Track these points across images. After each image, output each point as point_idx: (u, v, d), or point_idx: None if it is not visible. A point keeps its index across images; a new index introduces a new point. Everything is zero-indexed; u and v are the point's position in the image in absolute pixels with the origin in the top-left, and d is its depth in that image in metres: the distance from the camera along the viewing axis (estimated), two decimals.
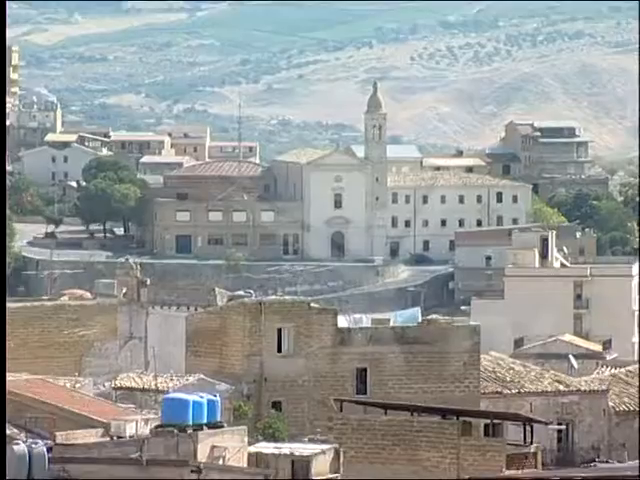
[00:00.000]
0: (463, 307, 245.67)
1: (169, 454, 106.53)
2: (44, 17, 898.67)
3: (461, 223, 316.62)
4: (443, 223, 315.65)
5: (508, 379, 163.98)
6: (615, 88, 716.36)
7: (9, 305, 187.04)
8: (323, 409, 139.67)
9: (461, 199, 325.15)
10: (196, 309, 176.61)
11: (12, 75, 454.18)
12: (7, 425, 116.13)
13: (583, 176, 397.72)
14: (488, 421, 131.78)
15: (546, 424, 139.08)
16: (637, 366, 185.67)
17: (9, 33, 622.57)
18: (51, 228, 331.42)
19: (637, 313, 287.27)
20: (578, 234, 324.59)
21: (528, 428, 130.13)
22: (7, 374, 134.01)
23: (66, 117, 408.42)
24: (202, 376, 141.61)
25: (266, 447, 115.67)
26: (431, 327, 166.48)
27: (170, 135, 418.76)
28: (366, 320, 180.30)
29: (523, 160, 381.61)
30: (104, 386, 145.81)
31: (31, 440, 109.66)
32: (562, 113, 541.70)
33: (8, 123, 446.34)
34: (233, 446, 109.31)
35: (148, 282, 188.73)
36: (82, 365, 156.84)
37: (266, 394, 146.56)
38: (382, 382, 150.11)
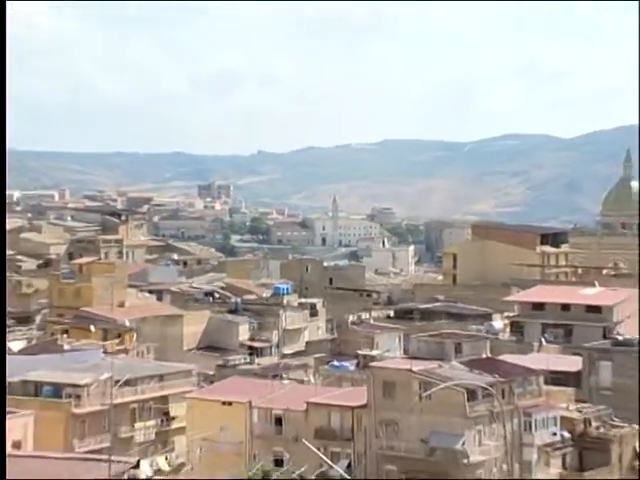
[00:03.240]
0: (360, 260, 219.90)
1: (275, 302, 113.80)
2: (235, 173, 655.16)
3: (360, 236, 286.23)
4: (354, 236, 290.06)
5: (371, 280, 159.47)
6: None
7: (236, 259, 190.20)
8: (319, 289, 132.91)
9: (360, 229, 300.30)
10: (282, 265, 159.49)
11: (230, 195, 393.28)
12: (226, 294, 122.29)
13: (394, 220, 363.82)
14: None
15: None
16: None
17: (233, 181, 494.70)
18: (239, 237, 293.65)
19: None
20: (393, 239, 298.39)
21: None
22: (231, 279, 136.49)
23: (248, 207, 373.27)
24: (285, 280, 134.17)
25: (302, 300, 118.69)
26: (352, 266, 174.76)
27: (275, 211, 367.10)
28: (332, 264, 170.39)
29: (378, 217, 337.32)
30: (253, 283, 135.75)
31: (236, 299, 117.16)
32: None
33: (228, 207, 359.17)
34: (294, 300, 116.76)
35: (269, 253, 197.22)
36: (250, 276, 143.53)
37: (303, 285, 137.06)
38: (336, 281, 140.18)
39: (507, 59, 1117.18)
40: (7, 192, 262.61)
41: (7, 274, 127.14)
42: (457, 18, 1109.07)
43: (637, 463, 68.00)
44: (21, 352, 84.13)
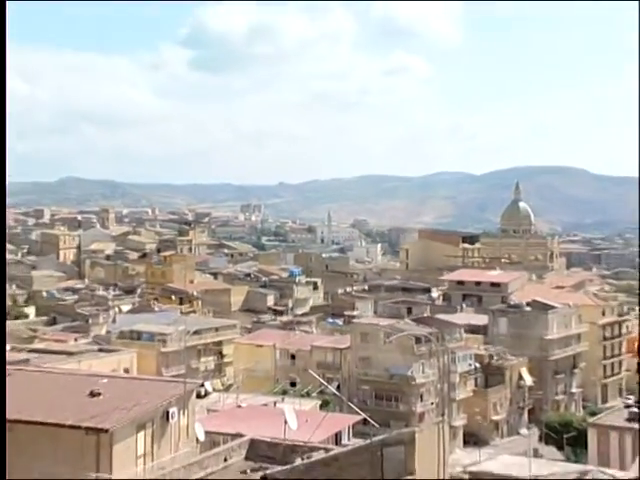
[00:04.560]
0: (346, 253, 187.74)
1: (290, 280, 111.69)
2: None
3: (345, 238, 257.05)
4: (342, 237, 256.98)
5: (353, 266, 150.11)
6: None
7: (265, 252, 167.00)
8: (319, 272, 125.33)
9: (345, 233, 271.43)
10: (295, 256, 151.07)
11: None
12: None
13: (368, 227, 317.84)
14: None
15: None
16: None
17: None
18: (267, 238, 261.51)
19: None
20: (367, 239, 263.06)
21: None
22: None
23: (273, 219, 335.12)
24: (297, 266, 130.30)
25: (308, 279, 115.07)
26: (340, 257, 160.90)
27: (291, 221, 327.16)
28: (327, 256, 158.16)
29: (357, 225, 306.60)
30: (276, 268, 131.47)
31: (265, 278, 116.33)
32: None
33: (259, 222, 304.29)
34: (303, 279, 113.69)
35: (286, 249, 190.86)
36: (274, 263, 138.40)
37: (309, 269, 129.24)
38: (330, 267, 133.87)
39: (441, 122, 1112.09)
40: (118, 210, 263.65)
41: (118, 262, 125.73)
42: (410, 93, 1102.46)
43: (522, 382, 67.77)
44: (128, 312, 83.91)
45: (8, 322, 77.04)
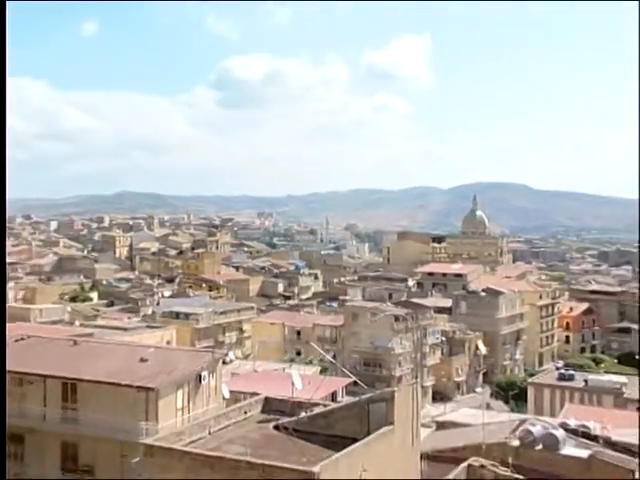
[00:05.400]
0: (340, 250, 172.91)
1: (296, 272, 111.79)
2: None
3: (340, 238, 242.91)
4: (337, 238, 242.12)
5: (346, 261, 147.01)
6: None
7: (276, 250, 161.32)
8: (319, 265, 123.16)
9: (340, 234, 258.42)
10: (299, 253, 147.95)
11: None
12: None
13: (358, 230, 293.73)
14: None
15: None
16: None
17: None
18: (277, 238, 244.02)
19: None
20: (357, 239, 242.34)
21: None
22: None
23: (283, 223, 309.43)
24: (302, 260, 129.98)
25: (310, 271, 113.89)
26: (335, 254, 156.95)
27: (296, 225, 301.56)
28: (326, 252, 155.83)
29: (349, 228, 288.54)
30: (285, 262, 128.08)
31: (276, 271, 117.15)
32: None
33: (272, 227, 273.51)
34: (306, 271, 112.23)
35: (293, 247, 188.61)
36: (283, 258, 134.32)
37: (311, 263, 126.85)
38: (328, 261, 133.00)
39: (416, 147, 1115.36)
40: (161, 216, 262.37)
41: (161, 257, 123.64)
42: (392, 125, 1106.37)
43: (478, 351, 67.63)
44: (169, 297, 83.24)
45: (77, 304, 77.48)
